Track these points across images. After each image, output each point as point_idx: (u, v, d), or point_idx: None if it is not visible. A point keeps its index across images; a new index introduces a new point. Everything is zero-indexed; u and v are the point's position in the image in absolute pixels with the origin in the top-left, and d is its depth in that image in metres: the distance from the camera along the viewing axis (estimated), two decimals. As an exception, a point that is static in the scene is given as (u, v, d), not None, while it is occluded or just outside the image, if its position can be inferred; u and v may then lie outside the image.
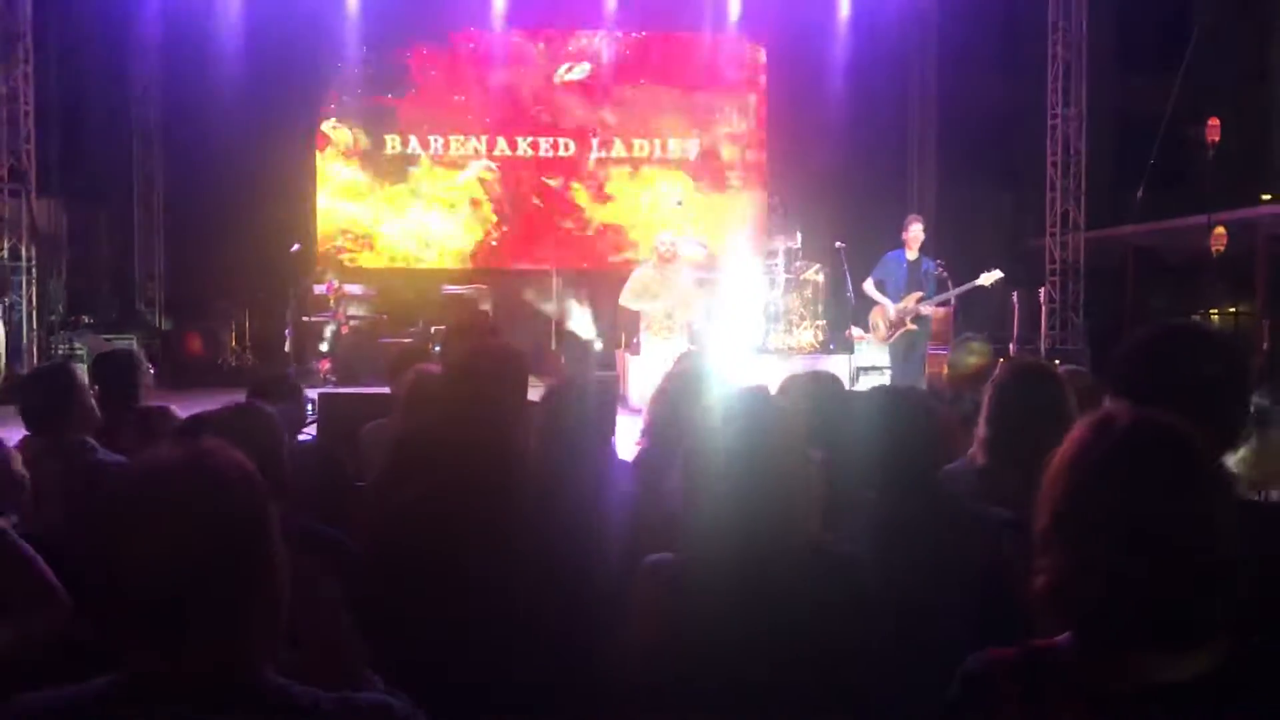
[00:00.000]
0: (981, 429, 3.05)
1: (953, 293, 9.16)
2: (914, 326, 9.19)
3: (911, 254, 9.32)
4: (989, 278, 9.12)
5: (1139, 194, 12.42)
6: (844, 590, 2.15)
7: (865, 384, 10.70)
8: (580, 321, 12.88)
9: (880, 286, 9.36)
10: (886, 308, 9.28)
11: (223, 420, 2.78)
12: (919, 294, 9.18)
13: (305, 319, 12.63)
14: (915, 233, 9.31)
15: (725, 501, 2.10)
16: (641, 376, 8.76)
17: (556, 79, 14.65)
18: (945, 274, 9.21)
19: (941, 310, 9.76)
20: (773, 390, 3.36)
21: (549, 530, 2.49)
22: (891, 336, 9.32)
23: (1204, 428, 1.59)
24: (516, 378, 2.70)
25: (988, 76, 14.76)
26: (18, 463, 2.96)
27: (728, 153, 14.99)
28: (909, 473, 2.67)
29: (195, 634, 1.39)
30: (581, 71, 14.64)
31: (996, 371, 3.14)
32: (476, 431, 2.58)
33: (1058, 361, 3.57)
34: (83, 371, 3.96)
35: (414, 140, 14.70)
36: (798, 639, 2.07)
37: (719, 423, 2.18)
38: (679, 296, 8.88)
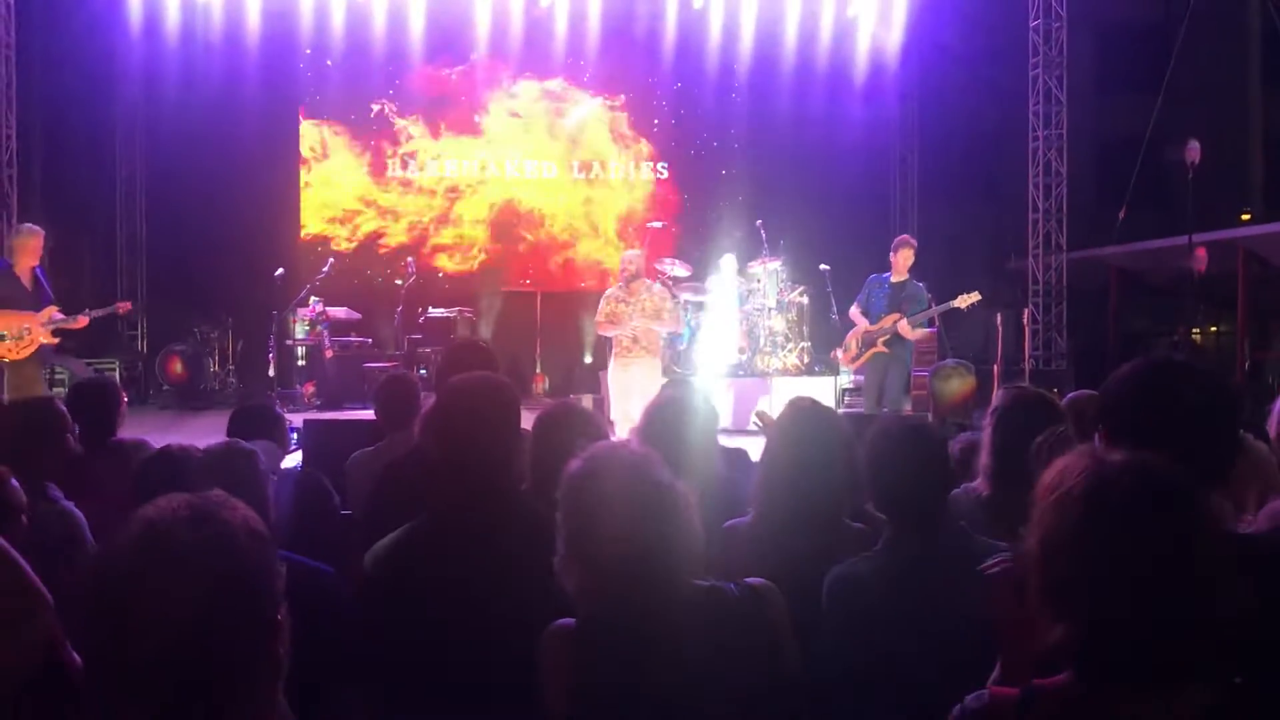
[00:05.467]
0: (985, 458, 3.06)
1: (927, 313, 8.81)
2: (885, 349, 8.77)
3: (897, 277, 8.95)
4: (965, 300, 8.77)
5: (1120, 215, 12.56)
6: (749, 628, 2.14)
7: (851, 406, 10.73)
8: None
9: (864, 311, 9.02)
10: (857, 328, 8.99)
11: (204, 462, 2.74)
12: (896, 315, 8.76)
13: (289, 342, 12.59)
14: (904, 257, 8.91)
15: (608, 558, 2.06)
16: (613, 399, 8.62)
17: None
18: (931, 301, 8.89)
19: (923, 332, 9.60)
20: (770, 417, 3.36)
21: (542, 564, 2.47)
22: (860, 358, 8.96)
23: (1192, 461, 1.61)
24: (510, 409, 2.67)
25: (969, 99, 14.88)
26: None
27: (707, 174, 15.03)
28: (920, 505, 2.68)
29: (199, 704, 1.31)
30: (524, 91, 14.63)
31: (997, 400, 3.15)
32: (470, 464, 2.56)
33: (1055, 389, 3.57)
34: (62, 409, 3.88)
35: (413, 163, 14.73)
36: (705, 689, 2.05)
37: (584, 477, 2.14)
38: (641, 315, 8.67)
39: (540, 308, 14.31)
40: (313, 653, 2.39)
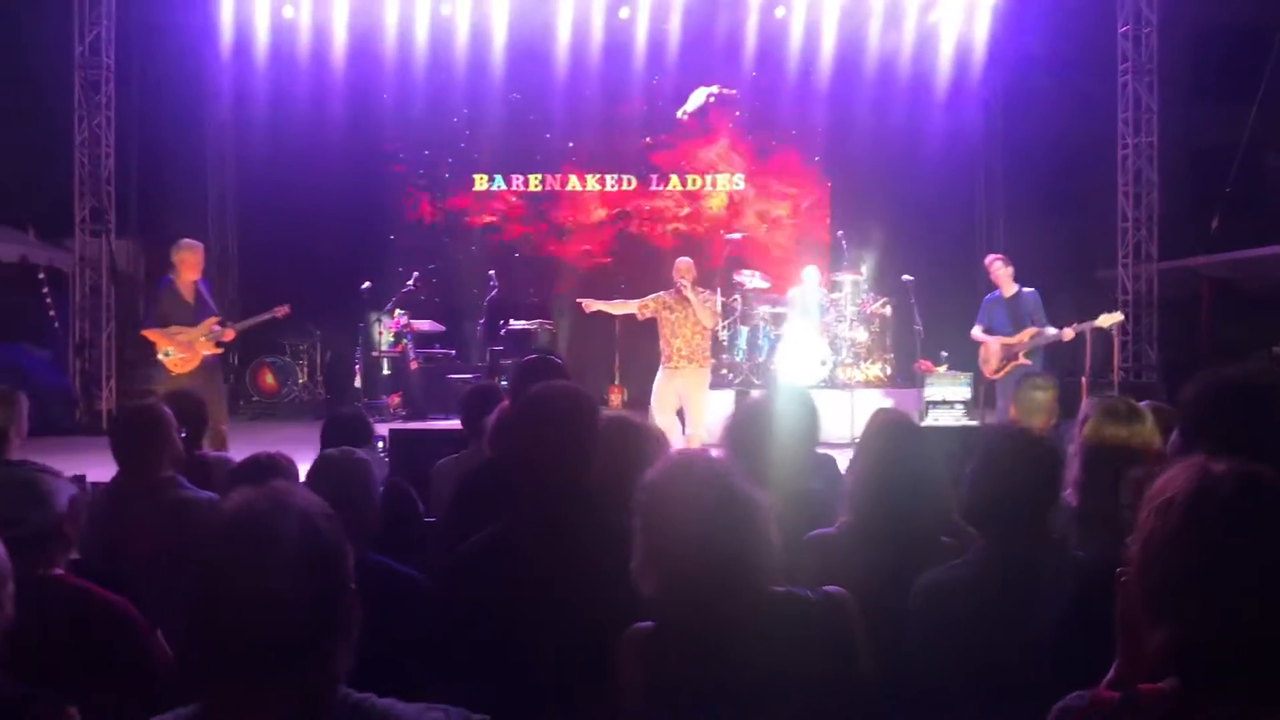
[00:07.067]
0: (1075, 470, 3.00)
1: (1071, 329, 8.99)
2: (1028, 361, 9.02)
3: (1006, 291, 9.28)
4: (1109, 320, 9.15)
5: (1214, 224, 12.22)
6: (825, 634, 2.14)
7: (935, 418, 10.56)
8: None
9: (988, 331, 9.33)
10: (991, 344, 9.25)
11: (320, 467, 2.87)
12: (1033, 330, 9.05)
13: (375, 354, 12.81)
14: (996, 271, 9.35)
15: (681, 566, 2.08)
16: (654, 407, 8.63)
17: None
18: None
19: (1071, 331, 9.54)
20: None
21: (618, 569, 2.48)
22: (1002, 370, 9.18)
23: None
24: (587, 417, 2.70)
25: (1055, 107, 14.59)
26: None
27: (790, 188, 14.98)
28: (1025, 515, 2.64)
29: (283, 662, 1.45)
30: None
31: (1085, 411, 3.09)
32: (548, 471, 2.58)
33: (1148, 401, 3.48)
34: (168, 411, 4.01)
35: (499, 178, 14.95)
36: (780, 693, 2.05)
37: (663, 484, 2.16)
38: (688, 324, 8.72)
39: (620, 320, 14.34)
40: (400, 653, 2.43)
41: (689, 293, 8.55)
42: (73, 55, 12.28)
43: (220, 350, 8.45)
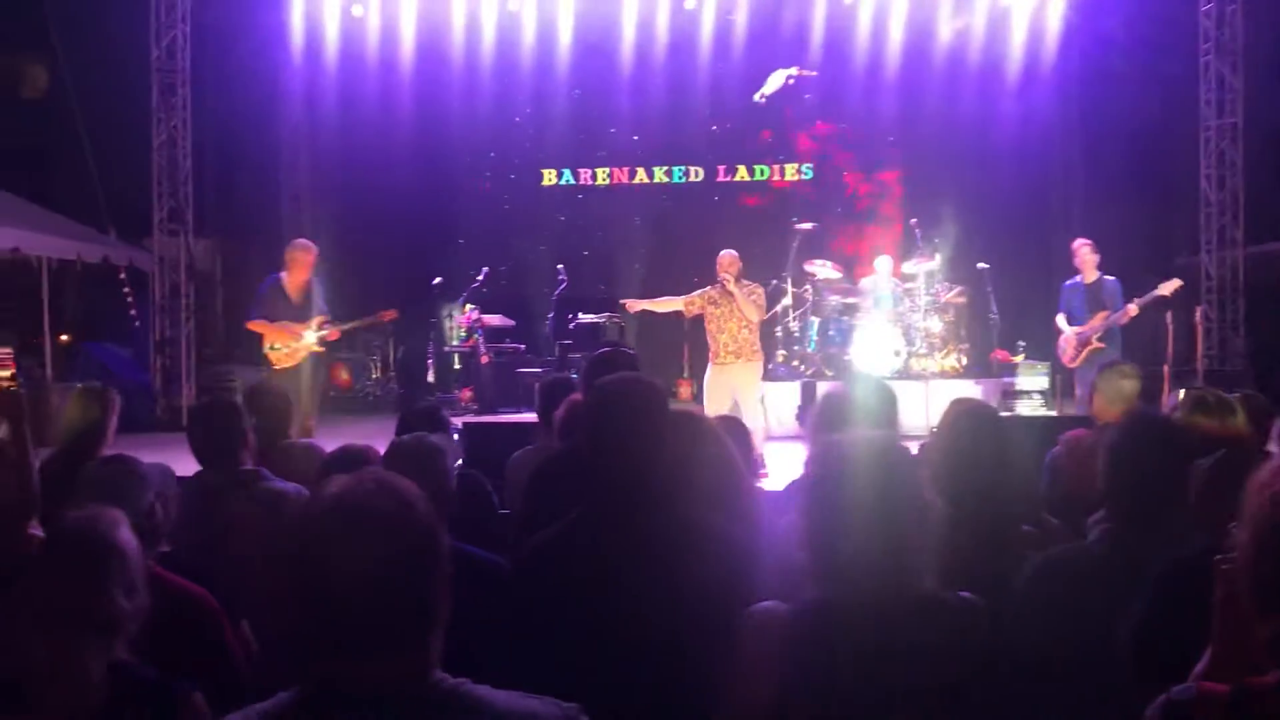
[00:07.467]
0: None
1: (1133, 304, 9.02)
2: (1102, 345, 9.05)
3: (1088, 277, 9.30)
4: (1169, 286, 9.08)
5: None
6: (964, 641, 2.09)
7: (1013, 409, 10.37)
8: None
9: (1067, 318, 9.36)
10: (1067, 332, 9.27)
11: (395, 453, 2.93)
12: (1105, 313, 9.09)
13: (446, 349, 12.91)
14: (1083, 256, 9.34)
15: (846, 549, 2.04)
16: (706, 404, 8.41)
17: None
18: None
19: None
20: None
21: (689, 561, 2.45)
22: (1078, 357, 9.19)
23: None
24: (657, 408, 2.67)
25: (1132, 89, 14.24)
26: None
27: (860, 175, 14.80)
28: (1158, 502, 2.57)
29: (382, 644, 1.49)
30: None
31: (1177, 403, 3.01)
32: (617, 463, 2.56)
33: (1238, 391, 3.38)
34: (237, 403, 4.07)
35: (568, 172, 14.99)
36: (916, 696, 2.01)
37: (843, 466, 2.13)
38: (734, 319, 8.56)
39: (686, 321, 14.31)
40: (482, 640, 2.42)
41: (733, 287, 8.39)
42: (150, 59, 12.53)
43: (323, 349, 8.58)
